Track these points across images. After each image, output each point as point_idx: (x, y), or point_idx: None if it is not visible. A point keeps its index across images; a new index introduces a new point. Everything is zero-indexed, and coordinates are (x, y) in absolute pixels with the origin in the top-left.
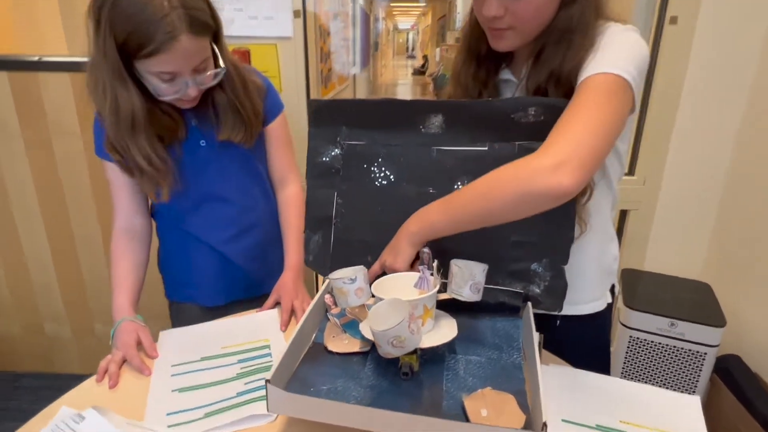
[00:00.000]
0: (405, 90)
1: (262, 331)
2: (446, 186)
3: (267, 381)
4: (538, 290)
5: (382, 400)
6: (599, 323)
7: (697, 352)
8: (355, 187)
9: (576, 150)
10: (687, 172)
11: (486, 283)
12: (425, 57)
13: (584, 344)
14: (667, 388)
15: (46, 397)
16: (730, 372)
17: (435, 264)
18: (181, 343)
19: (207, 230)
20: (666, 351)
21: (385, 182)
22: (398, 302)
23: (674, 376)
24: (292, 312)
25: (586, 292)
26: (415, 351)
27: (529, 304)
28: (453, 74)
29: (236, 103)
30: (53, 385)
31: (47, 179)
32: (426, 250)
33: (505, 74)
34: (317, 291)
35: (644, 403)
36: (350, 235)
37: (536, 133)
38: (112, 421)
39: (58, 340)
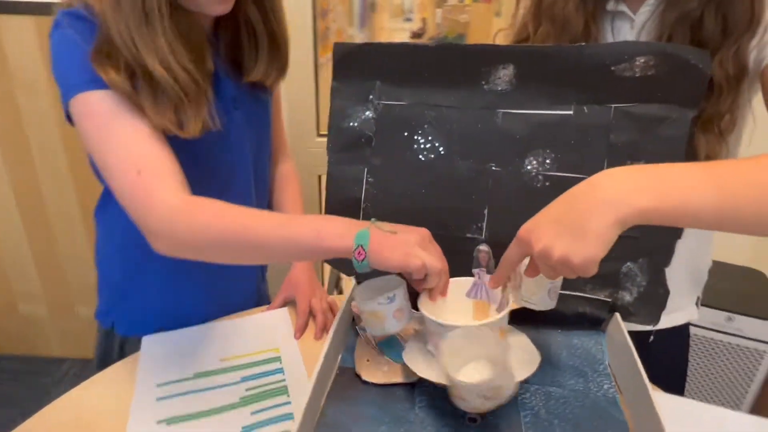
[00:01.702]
0: None
1: (270, 338)
2: (514, 162)
3: None
4: (629, 298)
5: None
6: (679, 340)
7: (755, 349)
8: (393, 162)
9: None
10: None
11: (564, 288)
12: (423, 20)
13: (660, 364)
14: (718, 390)
15: (27, 382)
16: None
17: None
18: (170, 353)
19: None
20: (721, 349)
21: (432, 156)
22: (480, 332)
23: (727, 377)
24: (309, 314)
25: (673, 299)
26: None
27: (617, 315)
28: (542, 5)
29: (274, 26)
30: (32, 369)
31: (13, 140)
32: (484, 247)
33: (618, 5)
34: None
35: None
36: None
37: (639, 93)
38: None
39: (35, 321)
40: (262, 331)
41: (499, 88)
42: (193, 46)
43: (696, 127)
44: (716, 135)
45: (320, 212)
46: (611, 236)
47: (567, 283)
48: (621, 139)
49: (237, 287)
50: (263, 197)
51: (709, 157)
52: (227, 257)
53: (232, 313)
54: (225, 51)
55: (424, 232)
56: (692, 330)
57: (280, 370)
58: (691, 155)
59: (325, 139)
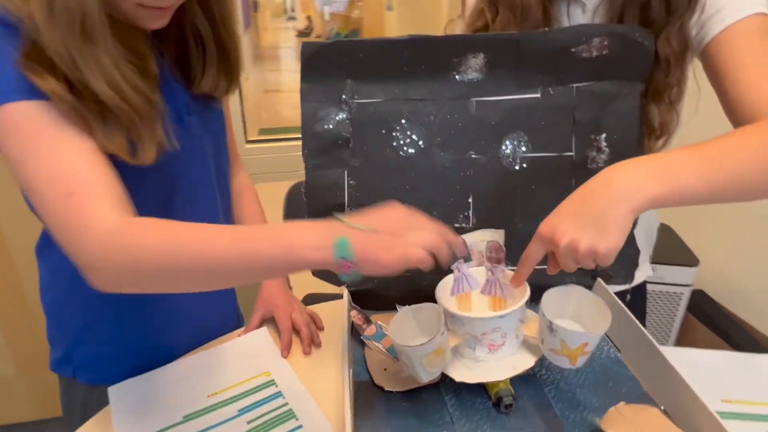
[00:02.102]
0: (289, 54)
1: (257, 362)
2: (492, 148)
3: None
4: None
5: None
6: (639, 297)
7: (674, 293)
8: (373, 162)
9: None
10: None
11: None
12: (309, 18)
13: None
14: (648, 332)
15: None
16: (700, 308)
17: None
18: (146, 399)
19: None
20: (649, 297)
21: (412, 150)
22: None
23: (655, 320)
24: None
25: None
26: None
27: (599, 280)
28: None
29: (224, 36)
30: None
31: None
32: (492, 239)
33: None
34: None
35: (736, 373)
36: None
37: (595, 72)
38: None
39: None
40: (247, 356)
41: (470, 77)
42: (136, 55)
43: (649, 99)
44: (667, 105)
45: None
46: (629, 225)
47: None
48: (584, 117)
49: (212, 309)
50: (228, 212)
51: (662, 125)
52: (180, 285)
53: (212, 340)
54: (170, 56)
55: (400, 212)
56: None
57: (279, 394)
58: (646, 125)
59: (254, 146)
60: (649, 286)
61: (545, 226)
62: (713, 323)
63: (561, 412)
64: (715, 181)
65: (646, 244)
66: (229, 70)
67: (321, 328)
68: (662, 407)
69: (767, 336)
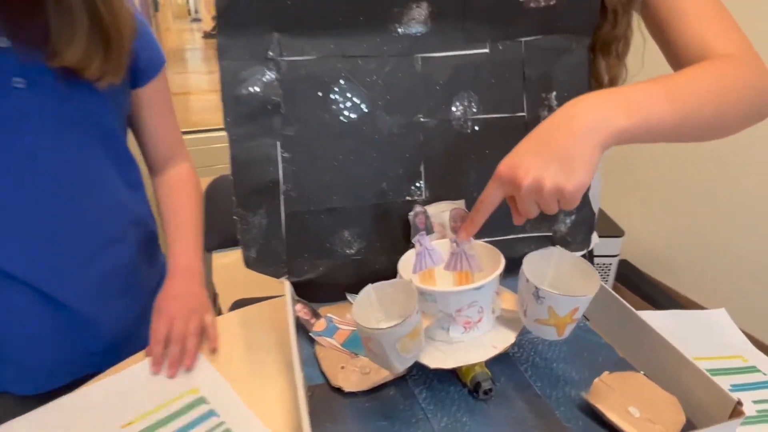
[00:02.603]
0: (196, 56)
1: (180, 378)
2: (441, 110)
3: None
4: (565, 228)
5: None
6: (590, 261)
7: (603, 263)
8: (309, 130)
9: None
10: None
11: (507, 234)
12: (215, 18)
13: None
14: None
15: None
16: (626, 276)
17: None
18: None
19: (19, 252)
20: None
21: (354, 115)
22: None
23: None
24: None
25: None
26: None
27: (559, 247)
28: None
29: (101, 9)
30: None
31: None
32: (419, 208)
33: None
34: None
35: (683, 331)
36: (311, 205)
37: (544, 25)
38: None
39: None
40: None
41: (414, 30)
42: None
43: (597, 52)
44: (615, 58)
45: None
46: (596, 160)
47: (509, 227)
48: (534, 73)
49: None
50: (106, 219)
51: (612, 80)
52: None
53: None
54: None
55: None
56: None
57: (213, 413)
58: (595, 80)
59: None
60: None
61: (505, 166)
62: (639, 290)
63: (542, 391)
64: (681, 113)
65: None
66: (109, 53)
67: (211, 348)
68: (642, 372)
69: (688, 298)
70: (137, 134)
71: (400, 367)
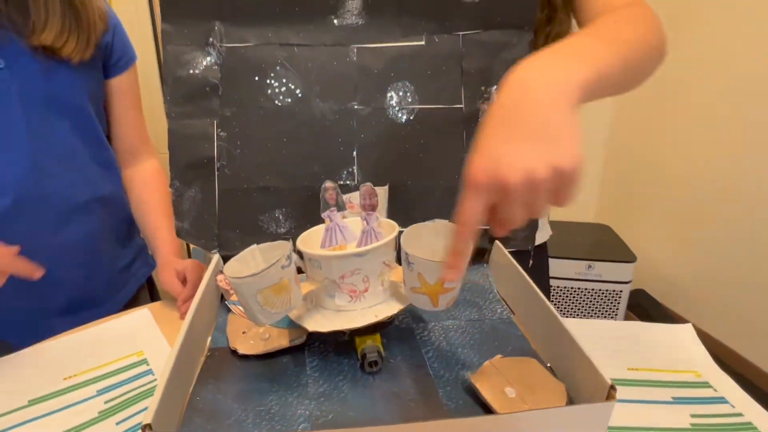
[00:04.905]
0: None
1: (130, 342)
2: (376, 99)
3: (146, 427)
4: None
5: (348, 411)
6: (539, 258)
7: (614, 290)
8: (245, 112)
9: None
10: None
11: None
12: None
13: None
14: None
15: None
16: (641, 305)
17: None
18: None
19: None
20: (587, 294)
21: (289, 99)
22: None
23: (595, 317)
24: None
25: None
26: (376, 328)
27: (497, 243)
28: None
29: None
30: None
31: None
32: (329, 184)
33: None
34: None
35: (644, 343)
36: (244, 183)
37: (482, 19)
38: None
39: None
40: (119, 338)
41: (349, 22)
42: None
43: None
44: None
45: None
46: (578, 122)
47: (446, 216)
48: (473, 66)
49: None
50: (93, 181)
51: None
52: None
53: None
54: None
55: None
56: (561, 282)
57: (149, 372)
58: None
59: None
60: (588, 285)
61: (479, 170)
62: (652, 320)
63: (435, 371)
64: (622, 57)
65: None
66: (79, 26)
67: None
68: (548, 364)
69: (707, 333)
70: (108, 126)
71: (264, 321)
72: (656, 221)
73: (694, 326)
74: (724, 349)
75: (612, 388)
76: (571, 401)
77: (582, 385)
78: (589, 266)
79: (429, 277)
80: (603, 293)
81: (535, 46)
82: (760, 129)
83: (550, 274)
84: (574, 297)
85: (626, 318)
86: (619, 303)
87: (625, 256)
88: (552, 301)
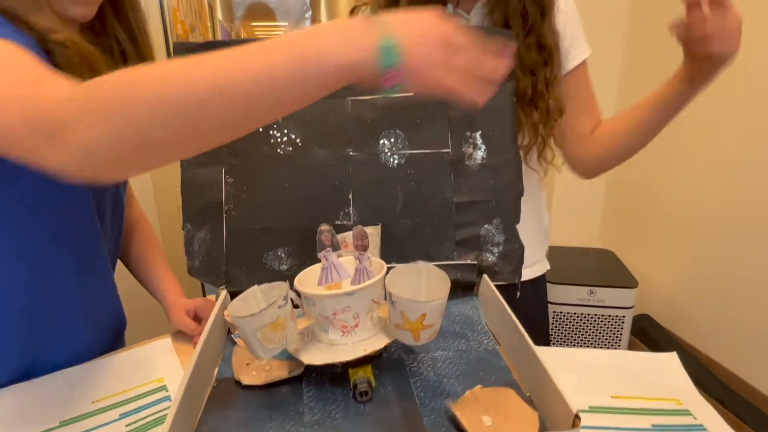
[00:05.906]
0: None
1: (150, 370)
2: (369, 145)
3: None
4: (492, 258)
5: None
6: (538, 290)
7: (617, 316)
8: (251, 160)
9: None
10: None
11: (432, 261)
12: None
13: (526, 316)
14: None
15: None
16: (645, 331)
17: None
18: (24, 407)
19: None
20: (589, 320)
21: (290, 148)
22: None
23: (599, 343)
24: None
25: (527, 256)
26: (366, 360)
27: (485, 276)
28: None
29: (144, 51)
30: None
31: None
32: (324, 227)
33: (455, 9)
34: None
35: (629, 371)
36: (250, 224)
37: None
38: None
39: None
40: (142, 365)
41: None
42: None
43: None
44: (542, 114)
45: None
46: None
47: (434, 254)
48: (458, 114)
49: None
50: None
51: (534, 125)
52: (180, 135)
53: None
54: None
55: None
56: (562, 308)
57: (167, 398)
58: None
59: None
60: (591, 310)
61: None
62: (657, 346)
63: (422, 400)
64: None
65: (539, 240)
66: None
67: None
68: (528, 394)
69: (711, 358)
70: None
71: (263, 355)
72: (659, 246)
73: (700, 352)
74: (730, 375)
75: (576, 417)
76: (543, 429)
77: (552, 414)
78: (591, 292)
79: (410, 315)
80: (606, 319)
81: (533, 88)
82: (765, 152)
83: (553, 300)
84: (576, 323)
85: (630, 343)
86: (622, 328)
87: (627, 281)
88: (554, 327)
